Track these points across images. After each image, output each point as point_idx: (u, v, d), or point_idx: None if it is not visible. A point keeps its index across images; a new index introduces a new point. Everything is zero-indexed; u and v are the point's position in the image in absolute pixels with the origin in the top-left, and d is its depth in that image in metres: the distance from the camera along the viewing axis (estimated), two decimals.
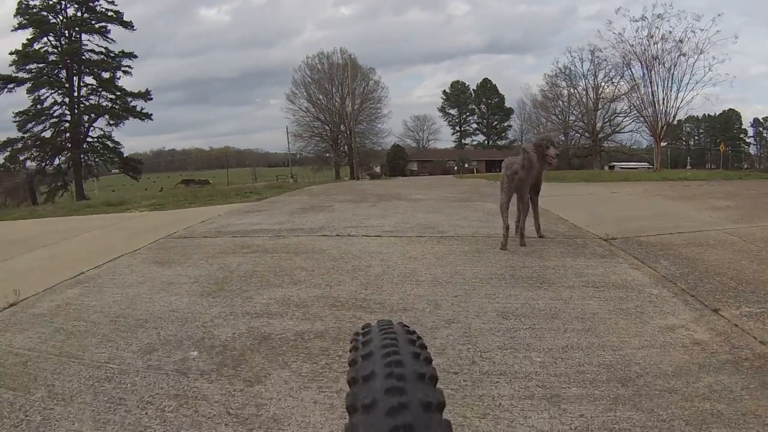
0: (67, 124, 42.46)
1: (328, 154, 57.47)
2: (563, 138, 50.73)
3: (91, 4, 42.48)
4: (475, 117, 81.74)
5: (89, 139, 43.97)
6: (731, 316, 3.42)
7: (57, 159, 43.24)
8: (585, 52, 44.77)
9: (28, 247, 6.95)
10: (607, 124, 47.84)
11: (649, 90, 32.02)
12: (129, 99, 44.18)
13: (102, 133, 44.09)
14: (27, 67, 41.26)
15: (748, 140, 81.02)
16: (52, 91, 42.29)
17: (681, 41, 30.75)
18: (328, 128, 56.03)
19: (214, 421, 2.28)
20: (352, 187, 17.51)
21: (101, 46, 43.23)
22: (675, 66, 31.01)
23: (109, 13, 43.05)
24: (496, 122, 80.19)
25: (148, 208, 11.74)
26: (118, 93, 43.90)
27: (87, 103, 43.39)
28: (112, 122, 43.86)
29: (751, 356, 2.82)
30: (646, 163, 39.69)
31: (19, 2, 40.80)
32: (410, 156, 64.56)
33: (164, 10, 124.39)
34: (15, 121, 41.28)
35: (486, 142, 79.55)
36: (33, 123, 41.76)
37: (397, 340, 0.87)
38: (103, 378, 2.74)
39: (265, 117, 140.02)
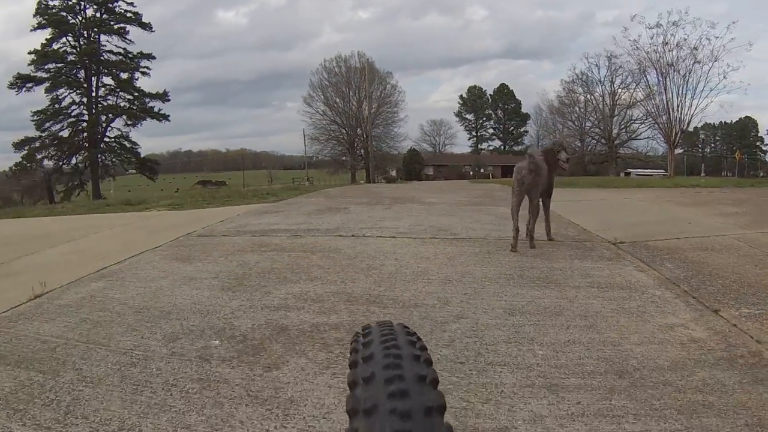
0: (84, 124, 43.05)
1: (344, 158, 57.63)
2: (579, 144, 50.60)
3: (110, 6, 43.10)
4: (492, 122, 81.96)
5: (106, 139, 44.57)
6: (730, 316, 3.54)
7: (74, 158, 43.93)
8: (602, 58, 44.70)
9: (50, 243, 7.22)
10: (623, 130, 47.62)
11: (664, 97, 32.02)
12: (147, 100, 44.71)
13: (119, 133, 44.75)
14: (45, 67, 41.88)
15: (765, 148, 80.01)
16: (71, 91, 42.97)
17: (696, 48, 30.77)
18: (344, 131, 56.21)
19: (235, 401, 2.47)
20: (367, 190, 17.70)
21: (120, 47, 43.95)
22: (689, 73, 31.03)
23: (128, 15, 43.67)
24: (512, 128, 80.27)
25: (166, 208, 12.00)
26: (136, 94, 44.46)
27: (105, 104, 44.07)
28: (129, 123, 44.46)
29: (746, 354, 2.95)
30: (662, 171, 39.47)
31: (38, 2, 41.53)
32: (426, 160, 64.74)
33: (182, 11, 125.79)
34: (33, 120, 41.96)
35: (502, 147, 79.57)
36: (51, 122, 42.38)
37: (399, 348, 0.86)
38: (129, 363, 2.94)
39: (282, 119, 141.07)
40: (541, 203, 6.06)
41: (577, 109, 50.59)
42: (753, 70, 74.81)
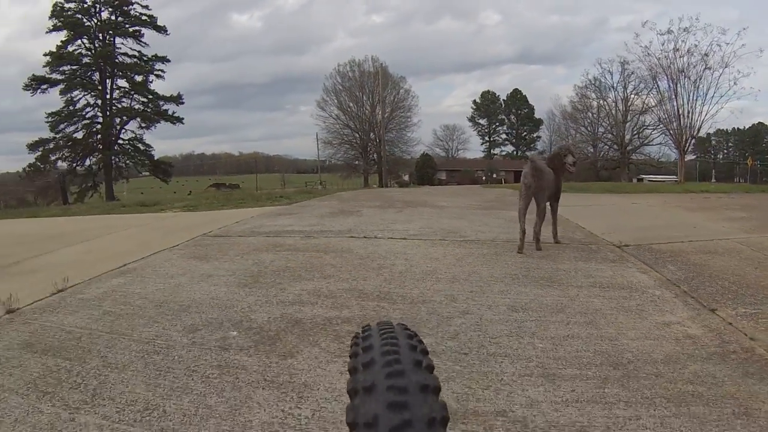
0: (99, 126, 43.09)
1: (357, 162, 57.93)
2: (592, 150, 50.47)
3: (126, 8, 43.12)
4: (505, 127, 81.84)
5: (120, 141, 44.54)
6: (726, 315, 3.68)
7: (88, 160, 43.93)
8: (615, 64, 44.64)
9: (67, 242, 7.44)
10: (636, 136, 47.47)
11: (675, 103, 32.03)
12: (161, 102, 44.66)
13: (133, 135, 44.76)
14: (60, 69, 41.92)
15: None
16: (85, 93, 43.00)
17: (707, 55, 30.77)
18: (357, 136, 56.52)
19: (252, 385, 2.66)
20: (380, 194, 17.89)
21: (134, 50, 43.94)
22: (700, 79, 31.03)
23: (143, 18, 43.66)
24: (525, 133, 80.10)
25: (181, 209, 12.21)
26: (150, 96, 44.41)
27: (119, 106, 44.05)
28: (143, 125, 44.45)
29: (738, 350, 3.09)
30: (674, 177, 39.41)
31: (54, 5, 41.69)
32: (439, 165, 64.75)
33: (197, 14, 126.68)
34: (47, 122, 42.03)
35: (515, 152, 79.41)
36: (65, 124, 42.46)
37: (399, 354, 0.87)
38: (151, 351, 3.14)
39: (296, 123, 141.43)
40: (549, 206, 6.22)
41: (590, 114, 50.47)
42: (764, 76, 74.47)
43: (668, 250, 5.81)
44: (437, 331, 3.36)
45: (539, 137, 76.81)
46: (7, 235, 8.80)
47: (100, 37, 43.00)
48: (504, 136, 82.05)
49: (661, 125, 37.39)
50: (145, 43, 44.01)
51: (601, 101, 48.60)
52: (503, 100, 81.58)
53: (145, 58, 44.08)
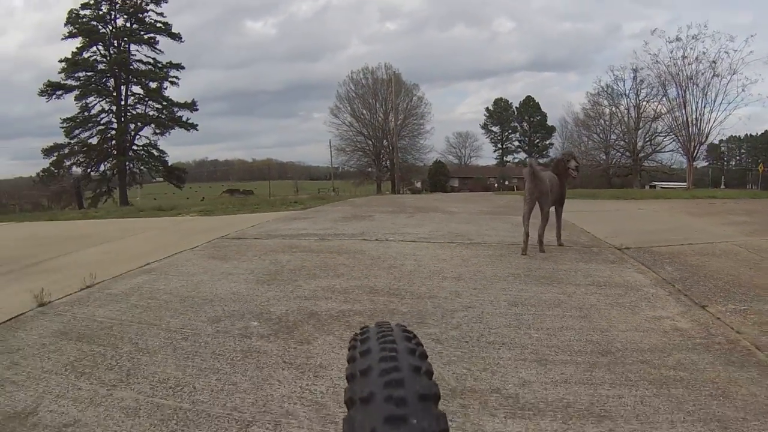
0: (113, 132, 43.35)
1: (370, 169, 58.26)
2: (604, 157, 50.46)
3: (141, 16, 43.40)
4: (517, 134, 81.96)
5: (135, 147, 44.71)
6: (716, 311, 3.90)
7: (102, 165, 44.16)
8: (627, 71, 44.69)
9: (89, 243, 7.79)
10: (648, 143, 47.39)
11: (684, 111, 32.15)
12: (175, 109, 44.88)
13: (148, 141, 44.95)
14: (75, 75, 42.23)
15: None
16: (100, 99, 43.18)
17: (715, 62, 30.88)
18: (370, 143, 56.90)
19: (273, 367, 2.95)
20: (392, 200, 18.17)
21: (149, 57, 44.20)
22: (708, 86, 31.15)
23: (158, 25, 43.94)
24: (538, 140, 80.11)
25: (198, 214, 12.59)
26: (165, 103, 44.65)
27: (134, 112, 44.32)
28: (158, 131, 44.67)
29: (723, 341, 3.32)
30: (686, 183, 39.40)
31: (69, 12, 42.13)
32: (451, 172, 64.96)
33: (211, 21, 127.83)
34: (62, 127, 42.32)
35: (536, 158, 79.25)
36: (80, 129, 42.71)
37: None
38: (179, 338, 3.44)
39: (309, 130, 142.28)
40: (554, 211, 6.48)
41: (602, 121, 50.43)
42: None
43: (667, 252, 6.04)
44: (441, 322, 3.64)
45: (552, 144, 76.78)
46: (29, 237, 9.16)
47: (115, 44, 43.29)
48: (516, 143, 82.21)
49: (672, 133, 37.51)
50: (159, 50, 44.40)
51: (614, 108, 48.62)
52: (516, 107, 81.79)
53: (159, 65, 44.37)
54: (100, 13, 42.72)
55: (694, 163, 34.23)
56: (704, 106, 31.99)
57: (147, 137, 44.95)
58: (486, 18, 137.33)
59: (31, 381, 2.85)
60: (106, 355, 3.17)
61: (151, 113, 44.78)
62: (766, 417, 2.39)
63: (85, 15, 42.43)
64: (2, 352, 3.27)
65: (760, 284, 4.63)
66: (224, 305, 4.14)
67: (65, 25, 42.28)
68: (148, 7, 43.52)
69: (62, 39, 42.43)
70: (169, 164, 47.03)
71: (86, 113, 42.84)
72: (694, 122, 32.12)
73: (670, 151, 45.29)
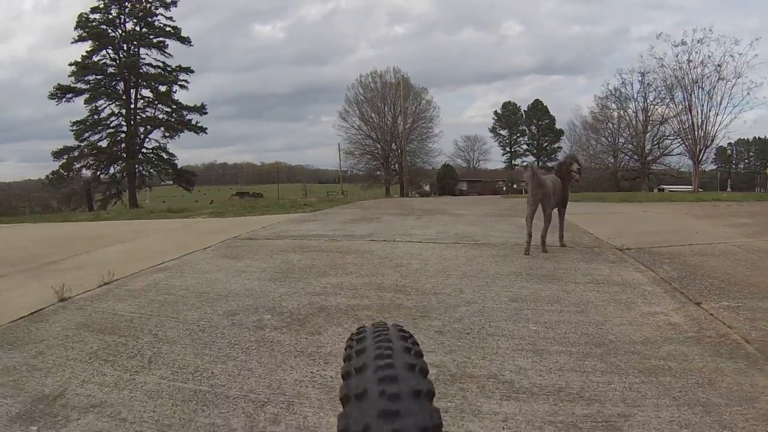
0: (123, 135, 43.65)
1: (378, 172, 58.46)
2: (612, 160, 50.38)
3: (150, 20, 43.71)
4: (526, 138, 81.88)
5: (144, 150, 45.00)
6: (710, 307, 4.06)
7: (112, 168, 44.48)
8: (635, 74, 44.69)
9: (104, 243, 8.03)
10: (656, 146, 47.30)
11: (690, 114, 32.23)
12: (184, 112, 45.04)
13: (157, 144, 45.21)
14: (85, 78, 42.59)
15: None
16: (110, 103, 43.52)
17: (720, 65, 30.94)
18: (379, 146, 57.10)
19: (285, 355, 3.16)
20: (401, 203, 18.38)
21: (159, 60, 44.46)
22: (713, 89, 31.21)
23: (167, 29, 44.23)
24: (546, 143, 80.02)
25: (209, 215, 12.83)
26: (174, 106, 44.86)
27: (143, 115, 44.58)
28: (167, 134, 44.89)
29: (714, 335, 3.48)
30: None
31: (79, 16, 42.48)
32: (460, 176, 65.14)
33: (220, 25, 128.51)
34: (72, 130, 42.67)
35: (536, 163, 79.33)
36: (90, 132, 42.96)
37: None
38: (197, 329, 3.66)
39: (318, 133, 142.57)
40: (557, 212, 6.66)
41: (611, 125, 50.37)
42: None
43: (667, 253, 6.20)
44: (444, 316, 3.83)
45: (560, 148, 76.56)
46: (45, 237, 9.37)
47: (125, 48, 43.65)
48: (525, 146, 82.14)
49: (678, 137, 37.57)
50: (169, 54, 44.65)
51: (622, 111, 48.59)
52: (524, 110, 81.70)
53: (169, 69, 44.65)
54: (110, 17, 43.12)
55: (702, 167, 34.26)
56: (709, 110, 32.09)
57: (156, 140, 45.33)
58: (494, 22, 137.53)
59: (57, 368, 3.06)
60: (128, 345, 3.39)
61: (160, 116, 45.09)
62: (748, 403, 2.54)
63: (94, 19, 42.83)
64: (28, 342, 3.49)
65: (755, 283, 4.78)
66: (238, 300, 4.35)
67: (75, 28, 42.81)
68: (157, 12, 43.94)
69: (72, 42, 42.92)
70: (179, 167, 47.23)
71: (96, 116, 43.18)
72: (699, 126, 32.18)
73: (678, 154, 45.27)
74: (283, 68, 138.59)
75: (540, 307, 4.05)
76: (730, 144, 51.97)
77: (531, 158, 79.36)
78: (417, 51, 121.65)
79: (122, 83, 43.78)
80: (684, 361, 3.04)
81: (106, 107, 43.61)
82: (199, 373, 2.92)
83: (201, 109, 45.46)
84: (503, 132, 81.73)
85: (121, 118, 43.95)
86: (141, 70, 43.88)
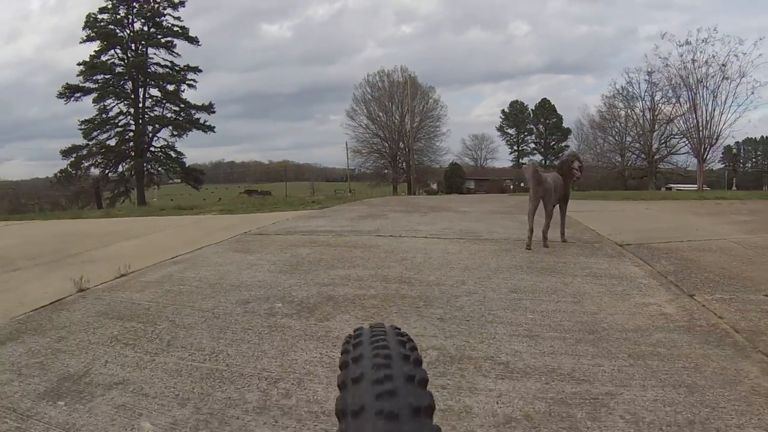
0: (131, 134, 43.62)
1: (386, 171, 58.53)
2: (619, 159, 50.31)
3: (158, 20, 43.56)
4: (533, 137, 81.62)
5: (152, 149, 44.93)
6: (703, 299, 4.22)
7: (120, 166, 44.38)
8: (641, 73, 44.62)
9: (117, 238, 8.27)
10: (663, 145, 47.18)
11: (694, 113, 32.25)
12: (192, 111, 44.89)
13: (165, 143, 45.12)
14: (94, 78, 42.45)
15: None
16: (118, 102, 43.36)
17: (724, 65, 30.94)
18: (387, 145, 57.10)
19: (296, 338, 3.37)
20: (407, 200, 18.53)
21: (167, 60, 44.31)
22: (718, 89, 31.22)
23: (175, 29, 44.05)
24: (553, 142, 79.78)
25: (218, 212, 13.05)
26: (182, 105, 44.69)
27: (151, 114, 44.54)
28: (175, 133, 44.80)
29: (704, 325, 3.64)
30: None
31: (87, 16, 42.39)
32: (467, 174, 65.03)
33: (227, 24, 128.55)
34: (80, 129, 42.64)
35: (543, 161, 79.23)
36: (98, 131, 42.91)
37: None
38: (211, 316, 3.88)
39: (325, 132, 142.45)
40: (558, 208, 6.84)
41: (618, 124, 50.27)
42: None
43: (665, 248, 6.35)
44: (446, 305, 4.03)
45: (567, 147, 76.23)
46: (58, 233, 9.60)
47: (133, 48, 43.56)
48: (532, 145, 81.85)
49: (684, 137, 37.58)
50: (177, 54, 44.48)
51: (629, 111, 48.49)
52: (532, 109, 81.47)
53: (177, 68, 44.50)
54: (118, 17, 43.01)
55: (710, 166, 34.26)
56: (714, 109, 32.10)
57: (165, 139, 45.22)
58: (501, 21, 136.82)
59: (80, 351, 3.28)
60: (147, 330, 3.61)
61: (168, 115, 44.99)
62: (731, 386, 2.71)
63: (102, 19, 42.73)
64: (50, 329, 3.72)
65: (749, 277, 4.93)
66: (250, 291, 4.57)
67: (83, 28, 42.73)
68: (165, 12, 43.83)
69: (80, 42, 42.86)
70: (187, 165, 47.14)
71: (104, 115, 43.13)
72: (704, 125, 32.21)
73: (685, 153, 45.18)
74: (291, 67, 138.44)
75: (538, 298, 4.24)
76: (737, 143, 51.73)
77: (538, 157, 79.23)
78: (424, 50, 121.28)
79: (130, 82, 43.67)
80: (673, 348, 3.21)
81: (114, 106, 43.56)
82: (215, 355, 3.13)
83: (209, 108, 45.28)
84: (511, 131, 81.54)
85: (129, 116, 43.90)
86: (149, 70, 43.78)
